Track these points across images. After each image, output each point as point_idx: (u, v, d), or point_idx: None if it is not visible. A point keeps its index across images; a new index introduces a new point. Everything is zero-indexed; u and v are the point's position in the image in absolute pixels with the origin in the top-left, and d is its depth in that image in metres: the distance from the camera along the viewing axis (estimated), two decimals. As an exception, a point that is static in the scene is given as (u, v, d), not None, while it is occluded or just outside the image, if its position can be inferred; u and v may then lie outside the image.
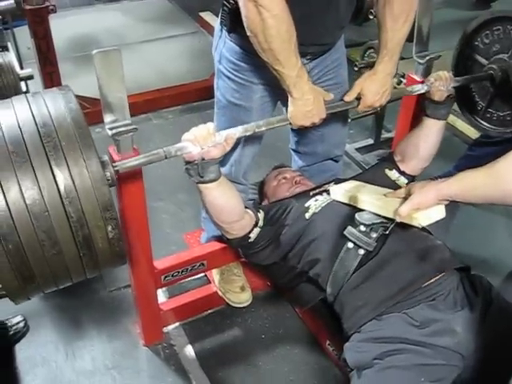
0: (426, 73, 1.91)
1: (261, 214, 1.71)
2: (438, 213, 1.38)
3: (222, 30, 1.71)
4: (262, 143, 1.92)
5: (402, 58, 2.97)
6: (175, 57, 4.01)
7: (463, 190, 1.28)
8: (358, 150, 3.09)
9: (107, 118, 1.36)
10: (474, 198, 1.28)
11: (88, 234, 1.15)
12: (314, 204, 1.70)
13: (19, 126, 1.14)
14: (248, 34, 1.44)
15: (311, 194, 1.78)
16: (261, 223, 1.69)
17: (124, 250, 1.26)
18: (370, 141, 3.14)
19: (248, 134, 1.50)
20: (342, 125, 2.01)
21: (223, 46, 1.72)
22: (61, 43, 3.59)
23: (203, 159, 1.43)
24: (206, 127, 1.42)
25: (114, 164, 1.30)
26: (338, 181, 1.85)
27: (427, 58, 1.88)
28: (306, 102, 1.53)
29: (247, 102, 1.77)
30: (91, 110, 3.09)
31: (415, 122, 1.98)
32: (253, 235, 1.68)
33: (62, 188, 1.10)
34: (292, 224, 1.68)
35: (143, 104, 3.33)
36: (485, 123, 1.94)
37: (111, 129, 1.36)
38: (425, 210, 1.37)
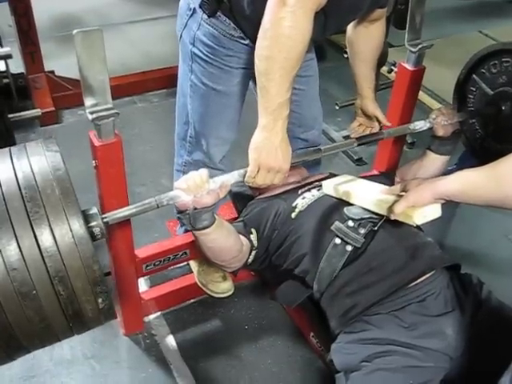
0: (418, 62, 1.87)
1: (253, 235, 1.66)
2: (434, 212, 1.34)
3: (194, 12, 1.63)
4: (242, 128, 1.86)
5: (391, 46, 2.97)
6: (161, 39, 3.93)
7: (461, 191, 1.22)
8: (345, 138, 3.04)
9: (88, 101, 1.31)
10: (472, 199, 1.22)
11: (78, 308, 1.12)
12: (301, 202, 1.66)
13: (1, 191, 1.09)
14: (259, 35, 1.34)
15: (299, 192, 1.73)
16: (255, 244, 1.65)
17: (115, 313, 1.23)
18: (358, 129, 3.10)
19: (241, 179, 1.45)
20: (316, 108, 1.99)
21: (197, 28, 1.64)
22: (43, 22, 3.51)
23: (195, 208, 1.38)
24: (199, 175, 1.37)
25: (103, 216, 1.25)
26: (333, 175, 1.81)
27: (420, 46, 1.83)
28: (273, 138, 1.37)
29: (227, 87, 1.71)
30: (73, 91, 3.04)
31: (405, 110, 1.95)
32: (251, 258, 1.66)
33: (50, 267, 1.06)
34: (280, 228, 1.64)
35: (127, 86, 3.27)
36: (482, 152, 1.85)
37: (92, 113, 1.31)
38: (420, 208, 1.33)
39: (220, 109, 1.74)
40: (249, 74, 1.69)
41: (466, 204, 1.25)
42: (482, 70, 1.77)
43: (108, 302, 1.16)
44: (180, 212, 1.43)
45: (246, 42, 1.61)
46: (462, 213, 2.48)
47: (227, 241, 1.55)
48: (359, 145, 1.69)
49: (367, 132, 1.93)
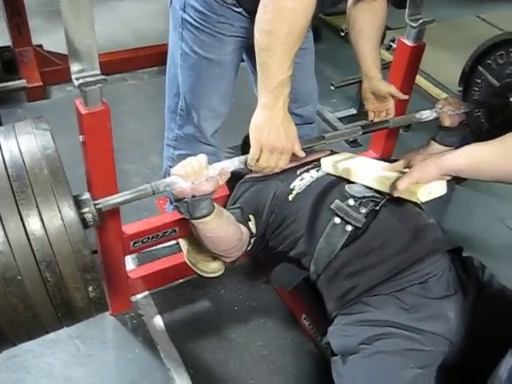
0: (419, 37, 1.81)
1: (252, 222, 1.61)
2: (439, 189, 1.30)
3: None
4: (236, 107, 1.80)
5: (388, 28, 2.92)
6: (153, 16, 3.84)
7: (468, 165, 1.18)
8: (340, 119, 3.01)
9: (74, 66, 1.25)
10: (479, 174, 1.18)
11: (67, 296, 1.06)
12: (299, 184, 1.61)
13: None
14: (259, 9, 1.28)
15: (298, 172, 1.67)
16: (254, 231, 1.60)
17: (107, 304, 1.17)
18: (353, 111, 3.06)
19: (242, 166, 1.39)
20: (311, 83, 1.93)
21: None
22: (31, -5, 3.41)
23: (194, 196, 1.31)
24: (197, 161, 1.30)
25: (95, 202, 1.18)
26: (334, 153, 1.76)
27: (420, 21, 1.78)
28: (275, 116, 1.31)
29: (219, 55, 1.63)
30: (62, 66, 2.96)
31: (404, 87, 1.90)
32: (250, 246, 1.62)
33: (37, 251, 0.99)
34: (278, 211, 1.59)
35: (118, 63, 3.19)
36: None
37: (78, 79, 1.25)
38: (425, 184, 1.28)
39: (212, 79, 1.66)
40: (242, 42, 1.62)
41: (472, 180, 1.21)
42: (488, 61, 1.73)
43: (99, 290, 1.10)
44: (177, 200, 1.36)
45: (239, 9, 1.53)
46: (457, 197, 2.45)
47: (227, 230, 1.49)
48: (364, 133, 1.63)
49: (384, 114, 1.83)
